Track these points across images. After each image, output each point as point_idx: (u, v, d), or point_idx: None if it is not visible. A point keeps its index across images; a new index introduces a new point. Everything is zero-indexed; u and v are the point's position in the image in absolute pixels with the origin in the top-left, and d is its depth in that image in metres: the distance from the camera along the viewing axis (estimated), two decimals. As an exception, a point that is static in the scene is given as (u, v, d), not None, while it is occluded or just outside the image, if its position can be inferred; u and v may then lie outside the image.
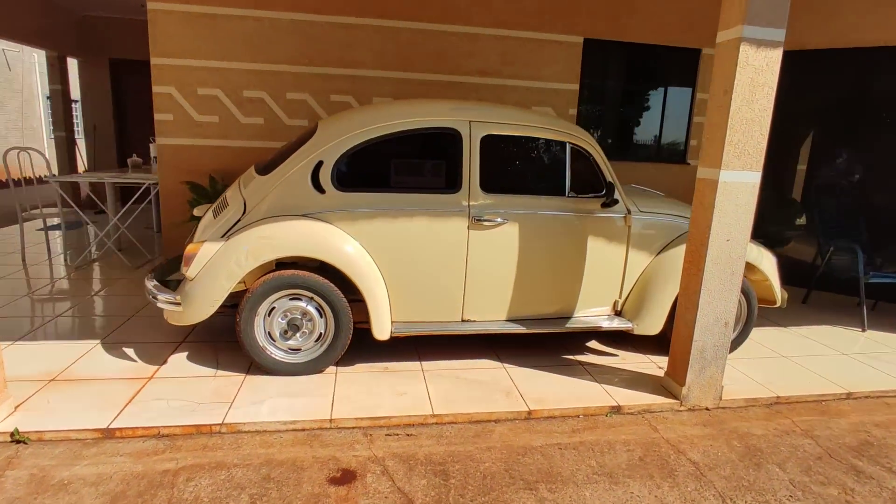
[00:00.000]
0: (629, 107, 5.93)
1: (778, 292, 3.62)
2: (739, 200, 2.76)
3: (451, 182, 3.11)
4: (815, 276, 4.89)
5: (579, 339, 3.81)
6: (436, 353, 3.42)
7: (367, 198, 3.03)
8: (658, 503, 2.19)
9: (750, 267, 3.52)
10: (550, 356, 3.50)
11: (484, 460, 2.43)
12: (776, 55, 2.64)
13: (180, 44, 4.72)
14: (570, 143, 3.26)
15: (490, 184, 3.16)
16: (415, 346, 3.48)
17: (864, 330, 4.39)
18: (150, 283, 3.02)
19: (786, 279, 5.47)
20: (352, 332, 3.07)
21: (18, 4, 6.64)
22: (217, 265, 2.88)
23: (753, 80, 2.64)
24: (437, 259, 3.11)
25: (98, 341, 3.34)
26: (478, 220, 3.11)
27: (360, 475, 2.29)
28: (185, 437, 2.48)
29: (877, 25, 4.56)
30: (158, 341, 3.39)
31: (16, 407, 2.54)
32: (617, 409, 2.92)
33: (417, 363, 3.30)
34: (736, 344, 3.66)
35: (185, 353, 3.24)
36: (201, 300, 2.88)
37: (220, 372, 3.04)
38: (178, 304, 2.90)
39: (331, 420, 2.64)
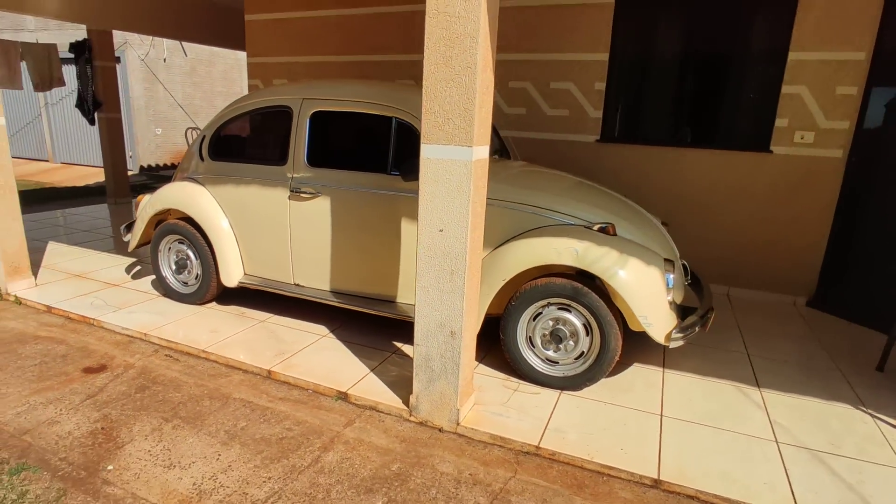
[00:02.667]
0: (686, 78, 4.51)
1: (647, 321, 2.58)
2: (450, 182, 2.24)
3: (282, 155, 3.38)
4: (893, 333, 3.02)
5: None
6: (294, 312, 3.76)
7: (225, 166, 3.59)
8: (226, 469, 2.20)
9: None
10: (385, 337, 3.40)
11: (182, 392, 2.80)
12: (476, -4, 2.03)
13: (263, 44, 6.01)
14: (396, 118, 3.08)
15: (316, 158, 3.29)
16: (290, 304, 3.87)
17: (907, 429, 2.61)
18: (123, 226, 4.28)
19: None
20: (215, 276, 3.71)
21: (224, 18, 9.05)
22: (141, 211, 3.93)
23: (450, 30, 2.10)
24: (268, 223, 3.45)
25: (134, 260, 4.88)
26: (295, 192, 3.30)
27: (105, 371, 2.98)
28: (75, 322, 3.63)
29: None
30: (158, 265, 4.72)
31: (36, 284, 4.15)
32: (344, 397, 2.78)
33: (268, 315, 3.72)
34: (587, 378, 2.79)
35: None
36: (133, 235, 3.99)
37: (152, 291, 4.12)
38: (128, 238, 4.10)
39: (145, 335, 3.39)
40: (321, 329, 3.54)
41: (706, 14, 4.33)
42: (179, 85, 12.65)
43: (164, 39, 11.98)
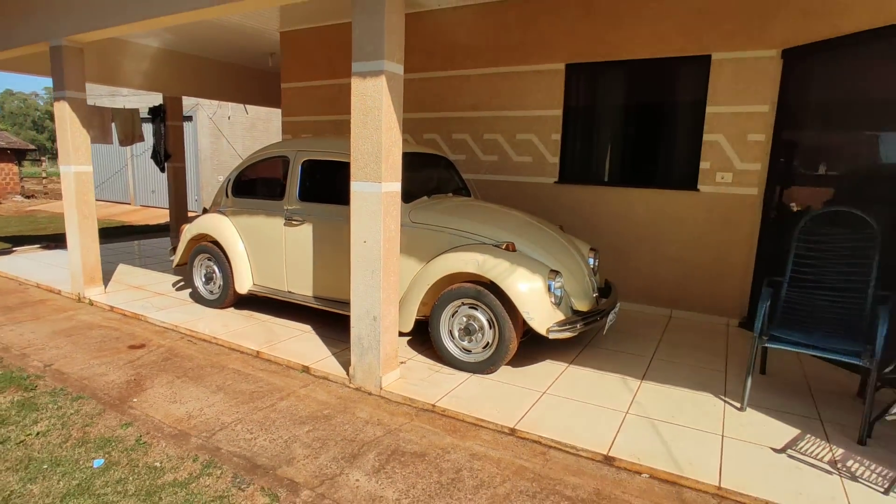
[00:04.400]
0: (626, 129, 5.29)
1: (529, 315, 3.34)
2: (370, 208, 3.18)
3: (281, 192, 4.46)
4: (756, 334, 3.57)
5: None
6: (290, 315, 4.75)
7: (241, 201, 4.73)
8: (243, 416, 3.14)
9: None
10: (351, 335, 4.30)
11: (193, 362, 3.81)
12: (380, 83, 3.02)
13: (295, 106, 7.35)
14: (361, 163, 4.08)
15: (305, 194, 4.35)
16: (288, 309, 4.87)
17: (742, 408, 3.17)
18: (170, 248, 5.50)
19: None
20: (232, 285, 4.79)
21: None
22: (182, 236, 5.13)
23: (364, 104, 3.10)
24: (270, 245, 4.51)
25: (179, 278, 6.10)
26: (288, 220, 4.36)
27: (144, 348, 4.06)
28: (128, 317, 4.79)
29: None
30: (197, 281, 5.91)
31: (105, 291, 5.40)
32: (307, 370, 3.68)
33: (269, 317, 4.73)
34: (491, 363, 3.56)
35: (194, 288, 5.62)
36: (177, 255, 5.19)
37: (187, 299, 5.27)
38: (173, 257, 5.31)
39: (176, 326, 4.48)
40: (306, 327, 4.50)
41: (639, 75, 5.17)
42: (241, 139, 14.59)
43: (230, 100, 13.99)
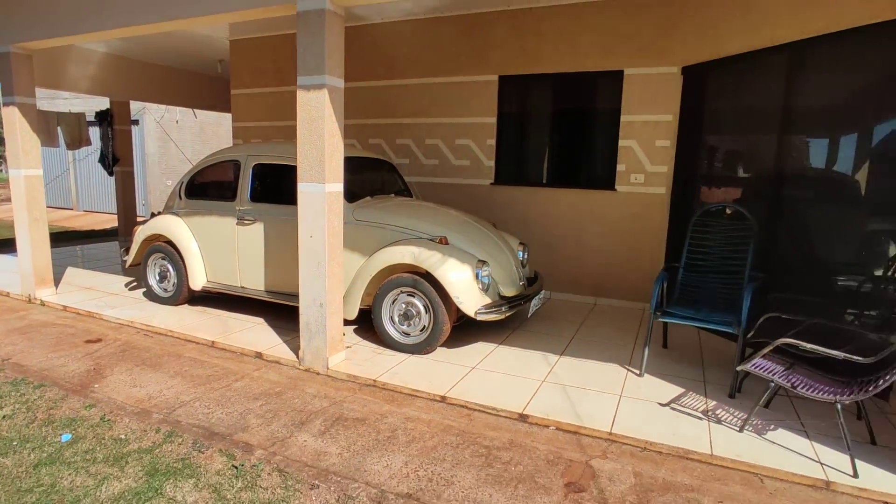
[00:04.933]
0: (553, 135, 5.89)
1: (459, 300, 3.79)
2: (315, 206, 3.56)
3: (233, 194, 4.76)
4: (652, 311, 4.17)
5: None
6: (243, 309, 5.04)
7: (194, 202, 4.99)
8: (194, 396, 3.43)
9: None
10: (302, 326, 4.64)
11: (150, 353, 4.05)
12: (323, 96, 3.42)
13: (245, 112, 7.58)
14: (308, 167, 4.44)
15: (256, 195, 4.66)
16: (241, 304, 5.15)
17: (640, 374, 3.74)
18: (121, 249, 5.67)
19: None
20: (186, 283, 5.03)
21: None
22: (136, 237, 5.32)
23: (309, 114, 3.49)
24: (223, 243, 4.80)
25: (131, 279, 6.23)
26: (240, 219, 4.66)
27: (101, 342, 4.26)
28: (82, 315, 4.94)
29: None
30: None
31: (56, 291, 5.50)
32: (260, 355, 4.01)
33: (223, 312, 5.00)
34: (427, 344, 3.99)
35: (147, 288, 5.79)
36: (130, 255, 5.37)
37: (141, 298, 5.45)
38: (126, 258, 5.48)
39: (131, 322, 4.68)
40: (259, 319, 4.81)
41: (563, 87, 5.76)
42: (189, 143, 14.48)
43: (179, 104, 13.88)
